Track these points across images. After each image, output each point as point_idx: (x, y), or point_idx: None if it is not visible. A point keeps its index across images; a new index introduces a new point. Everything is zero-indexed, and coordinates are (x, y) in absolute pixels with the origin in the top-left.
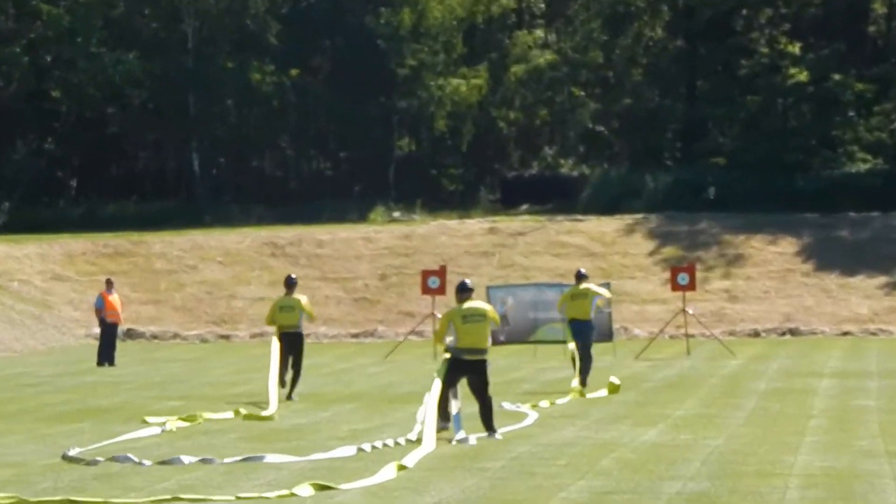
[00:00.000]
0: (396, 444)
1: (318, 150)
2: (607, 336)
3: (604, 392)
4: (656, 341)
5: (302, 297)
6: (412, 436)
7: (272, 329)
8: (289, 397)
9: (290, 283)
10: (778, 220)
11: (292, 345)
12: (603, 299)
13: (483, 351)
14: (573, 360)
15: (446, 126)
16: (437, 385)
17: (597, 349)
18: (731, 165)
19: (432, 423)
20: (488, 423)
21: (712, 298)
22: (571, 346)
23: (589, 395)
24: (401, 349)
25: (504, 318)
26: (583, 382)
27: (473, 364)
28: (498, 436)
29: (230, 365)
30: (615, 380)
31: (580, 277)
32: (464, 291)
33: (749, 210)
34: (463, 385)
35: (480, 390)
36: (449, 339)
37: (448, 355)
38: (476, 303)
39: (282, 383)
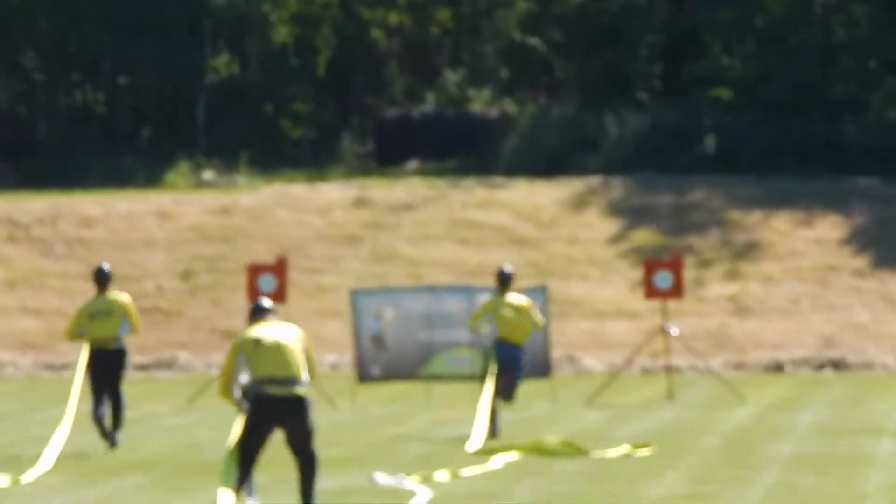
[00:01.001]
0: None
1: (85, 75)
2: (542, 369)
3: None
4: (620, 378)
5: (122, 295)
6: None
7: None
8: (112, 442)
9: (104, 277)
10: (815, 189)
11: (107, 367)
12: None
13: (295, 380)
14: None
15: (290, 37)
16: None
17: (527, 389)
18: (741, 102)
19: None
20: (307, 491)
21: (710, 311)
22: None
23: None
24: (214, 389)
25: (379, 339)
26: (493, 431)
27: (284, 402)
28: None
29: None
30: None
31: (506, 280)
32: (257, 313)
33: (768, 172)
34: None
35: (302, 443)
36: (238, 390)
37: (244, 408)
38: (277, 324)
39: (98, 422)
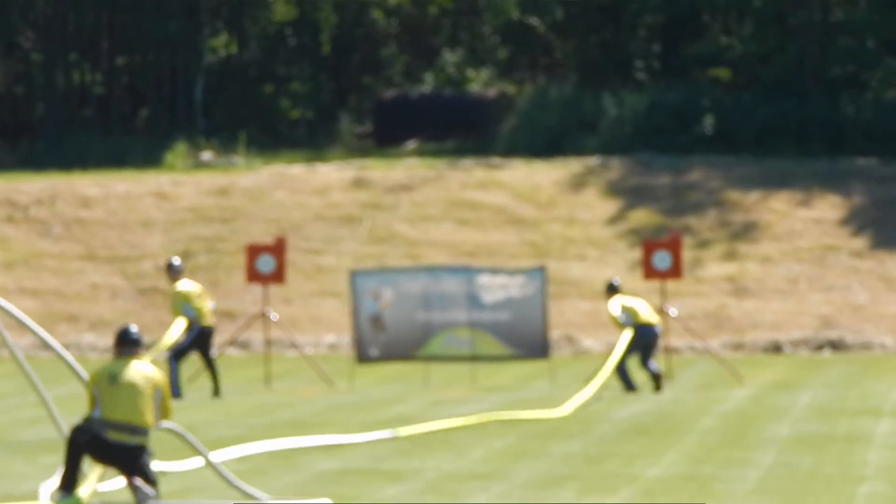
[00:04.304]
0: None
1: (82, 54)
2: (539, 350)
3: None
4: None
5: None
6: None
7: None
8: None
9: (178, 269)
10: (814, 169)
11: (207, 339)
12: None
13: (139, 429)
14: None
15: (290, 16)
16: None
17: (526, 370)
18: (740, 82)
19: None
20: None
21: (708, 291)
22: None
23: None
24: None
25: (377, 320)
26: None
27: (124, 450)
28: None
29: None
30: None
31: (613, 290)
32: (124, 345)
33: (767, 152)
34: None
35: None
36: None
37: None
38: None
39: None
